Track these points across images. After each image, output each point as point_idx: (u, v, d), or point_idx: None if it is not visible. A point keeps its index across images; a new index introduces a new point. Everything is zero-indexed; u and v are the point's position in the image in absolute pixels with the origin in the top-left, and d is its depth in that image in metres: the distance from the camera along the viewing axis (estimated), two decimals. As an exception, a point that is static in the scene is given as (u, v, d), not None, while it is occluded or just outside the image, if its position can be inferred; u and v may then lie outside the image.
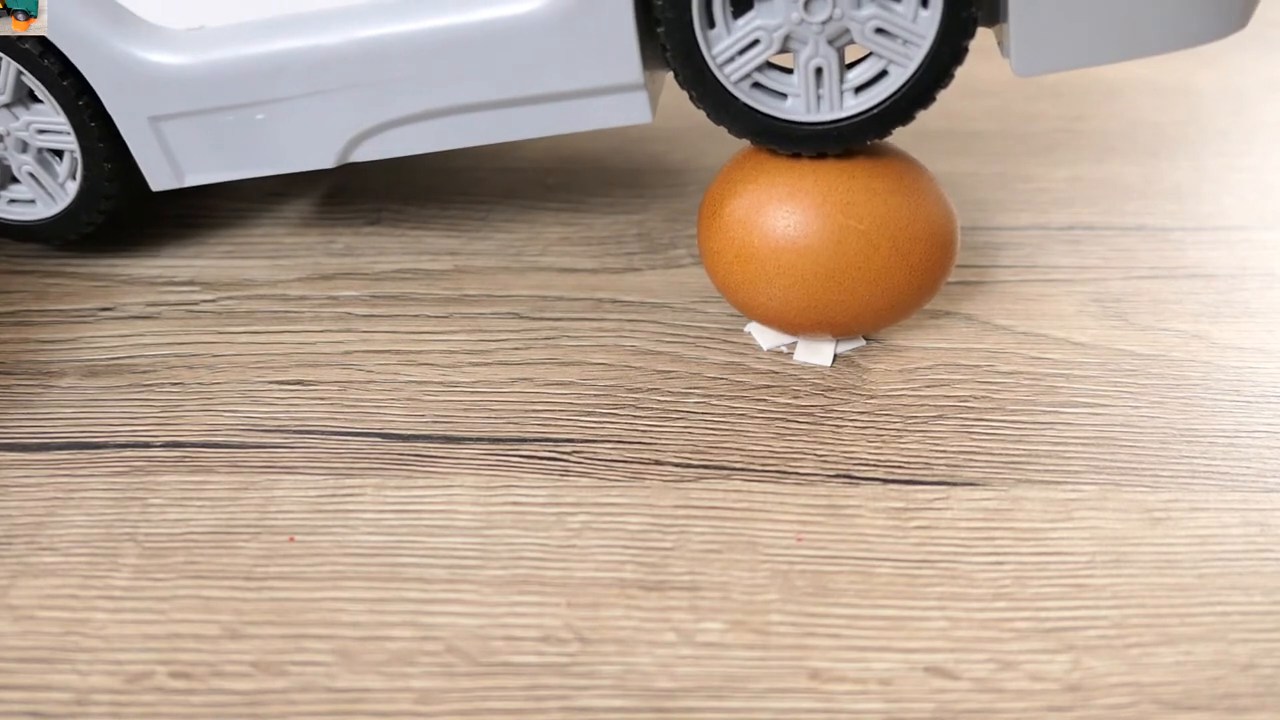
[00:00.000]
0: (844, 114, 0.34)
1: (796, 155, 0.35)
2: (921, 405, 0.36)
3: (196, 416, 0.36)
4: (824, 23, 0.32)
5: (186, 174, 0.39)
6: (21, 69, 0.38)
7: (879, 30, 0.33)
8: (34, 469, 0.35)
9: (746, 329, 0.39)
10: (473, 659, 0.29)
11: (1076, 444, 0.35)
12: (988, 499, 0.33)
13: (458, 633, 0.30)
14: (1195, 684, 0.28)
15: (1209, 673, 0.29)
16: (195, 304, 0.41)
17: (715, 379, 0.37)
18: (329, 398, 0.37)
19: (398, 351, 0.39)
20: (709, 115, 0.35)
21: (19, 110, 0.39)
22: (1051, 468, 0.34)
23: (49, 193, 0.41)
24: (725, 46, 0.33)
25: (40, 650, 0.30)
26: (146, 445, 0.35)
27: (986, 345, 0.39)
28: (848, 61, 0.34)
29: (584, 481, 0.34)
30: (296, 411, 0.36)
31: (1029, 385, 0.37)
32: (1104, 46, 0.33)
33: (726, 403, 0.36)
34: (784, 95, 0.34)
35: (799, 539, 0.32)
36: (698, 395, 0.37)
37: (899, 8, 0.32)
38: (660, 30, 0.33)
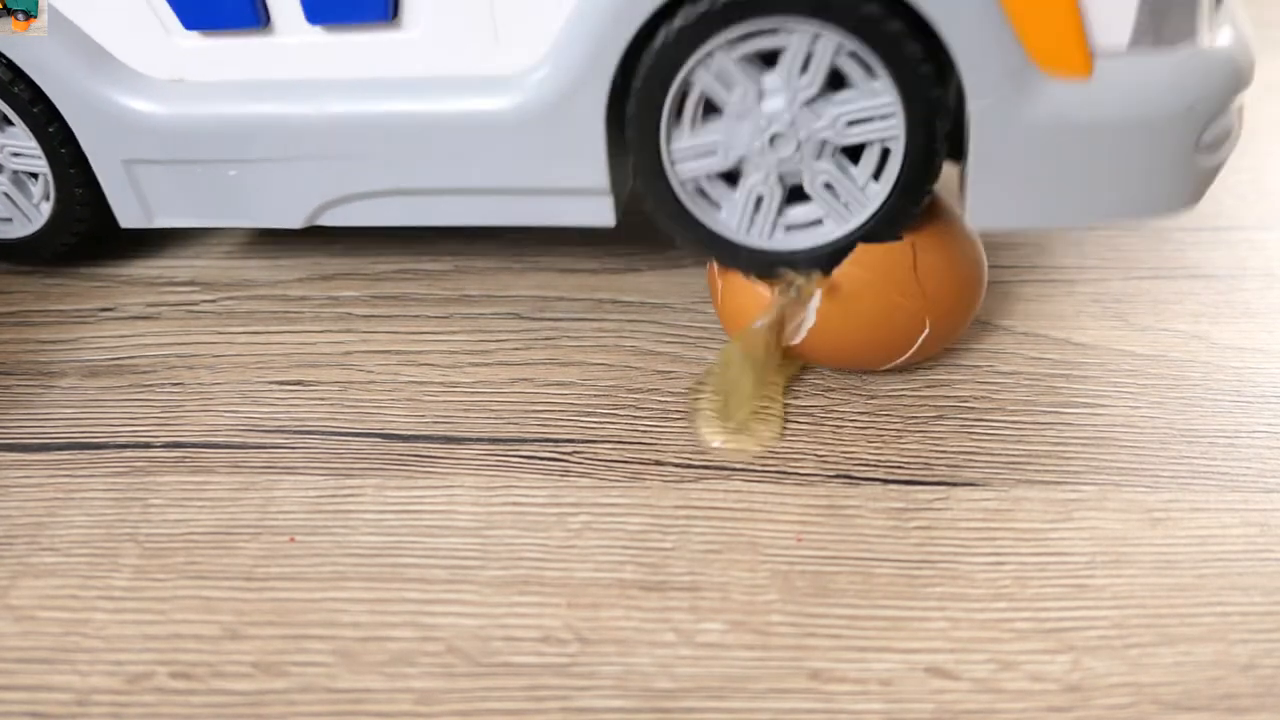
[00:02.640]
0: (768, 247, 0.34)
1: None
2: (921, 405, 0.36)
3: (197, 417, 0.36)
4: (781, 160, 0.33)
5: (156, 216, 0.39)
6: None
7: (827, 185, 0.33)
8: (35, 469, 0.35)
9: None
10: (473, 659, 0.29)
11: (1076, 444, 0.35)
12: (988, 499, 0.33)
13: (458, 633, 0.30)
14: (1195, 684, 0.28)
15: (1209, 673, 0.29)
16: (195, 304, 0.41)
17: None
18: (329, 398, 0.37)
19: (398, 352, 0.39)
20: (650, 203, 0.35)
21: None
22: (1051, 468, 0.34)
23: (24, 213, 0.41)
24: (685, 146, 0.33)
25: (41, 650, 0.30)
26: (147, 445, 0.35)
27: (986, 345, 0.39)
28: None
29: (584, 482, 0.34)
30: (297, 412, 0.36)
31: (1029, 385, 0.37)
32: (1056, 211, 0.33)
33: (727, 403, 0.37)
34: (719, 206, 0.34)
35: (799, 539, 0.32)
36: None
37: (854, 172, 0.33)
38: (630, 103, 0.33)
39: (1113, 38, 0.30)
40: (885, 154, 0.32)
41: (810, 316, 0.34)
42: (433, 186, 0.36)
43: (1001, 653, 0.29)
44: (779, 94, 0.32)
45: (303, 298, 0.41)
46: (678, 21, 0.31)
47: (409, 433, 0.36)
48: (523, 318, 0.40)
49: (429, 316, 0.40)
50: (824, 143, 0.32)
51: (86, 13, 0.36)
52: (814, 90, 0.32)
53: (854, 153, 0.33)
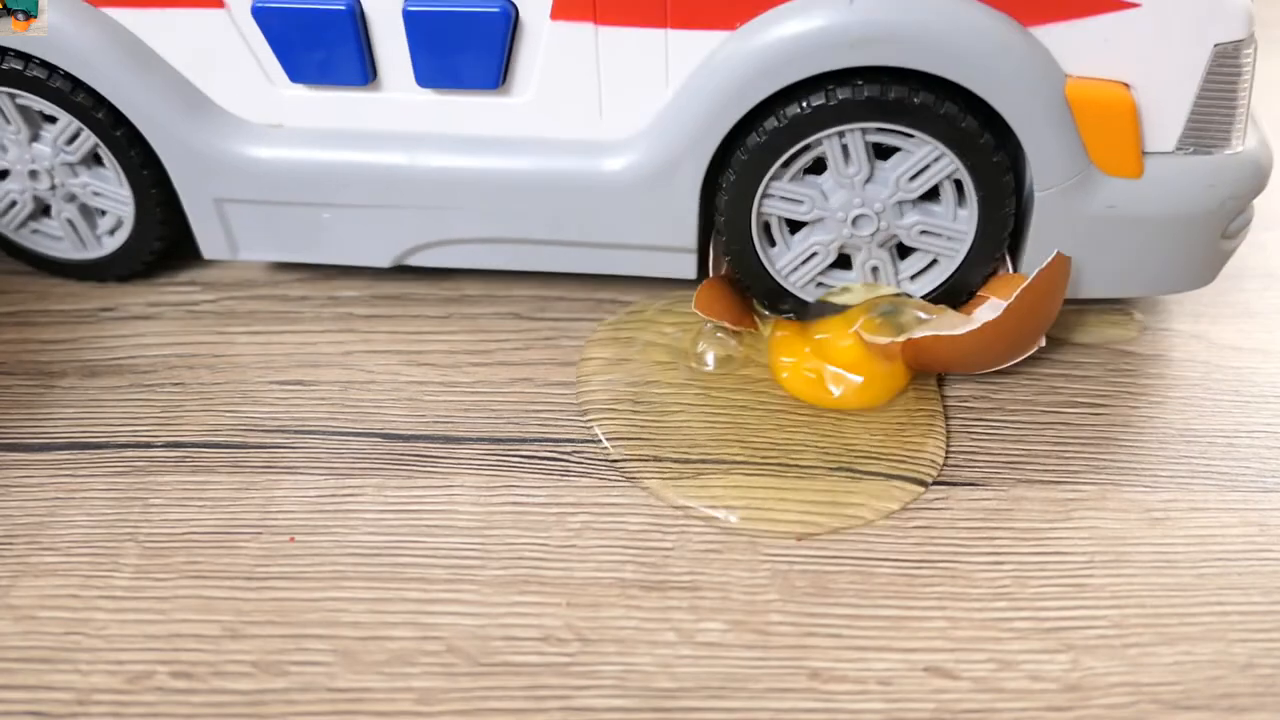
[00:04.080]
0: None
1: None
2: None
3: (197, 417, 0.36)
4: (872, 234, 0.35)
5: (241, 250, 0.40)
6: (99, 142, 0.38)
7: (924, 232, 0.35)
8: (35, 469, 0.35)
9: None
10: (473, 659, 0.29)
11: (1076, 444, 0.35)
12: (988, 499, 0.33)
13: (458, 633, 0.30)
14: (1194, 684, 0.28)
15: (1208, 672, 0.29)
16: (196, 304, 0.41)
17: (715, 372, 0.37)
18: (329, 398, 0.37)
19: (398, 352, 0.39)
20: (772, 311, 0.38)
21: (80, 169, 0.39)
22: (1051, 468, 0.34)
23: (82, 240, 0.41)
24: (788, 260, 0.36)
25: (42, 650, 0.30)
26: (147, 445, 0.35)
27: (986, 345, 0.39)
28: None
29: (584, 481, 0.34)
30: (297, 412, 0.36)
31: (1029, 385, 0.37)
32: (1098, 285, 0.36)
33: (727, 395, 0.36)
34: (849, 290, 0.37)
35: (799, 539, 0.32)
36: (696, 388, 0.37)
37: (937, 209, 0.35)
38: (727, 258, 0.36)
39: (1161, 142, 0.33)
40: (959, 184, 0.34)
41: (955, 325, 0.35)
42: (526, 237, 0.37)
43: (1001, 652, 0.29)
44: (839, 188, 0.34)
45: (303, 298, 0.41)
46: (740, 155, 0.34)
47: (409, 433, 0.36)
48: (523, 318, 0.40)
49: (429, 316, 0.40)
50: (900, 203, 0.34)
51: (188, 59, 0.36)
52: (866, 173, 0.34)
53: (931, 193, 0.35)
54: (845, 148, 0.33)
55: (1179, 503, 0.33)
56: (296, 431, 0.36)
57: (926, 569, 0.31)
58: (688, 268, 0.38)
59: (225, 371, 0.38)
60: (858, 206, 0.34)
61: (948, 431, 0.35)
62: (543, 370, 0.38)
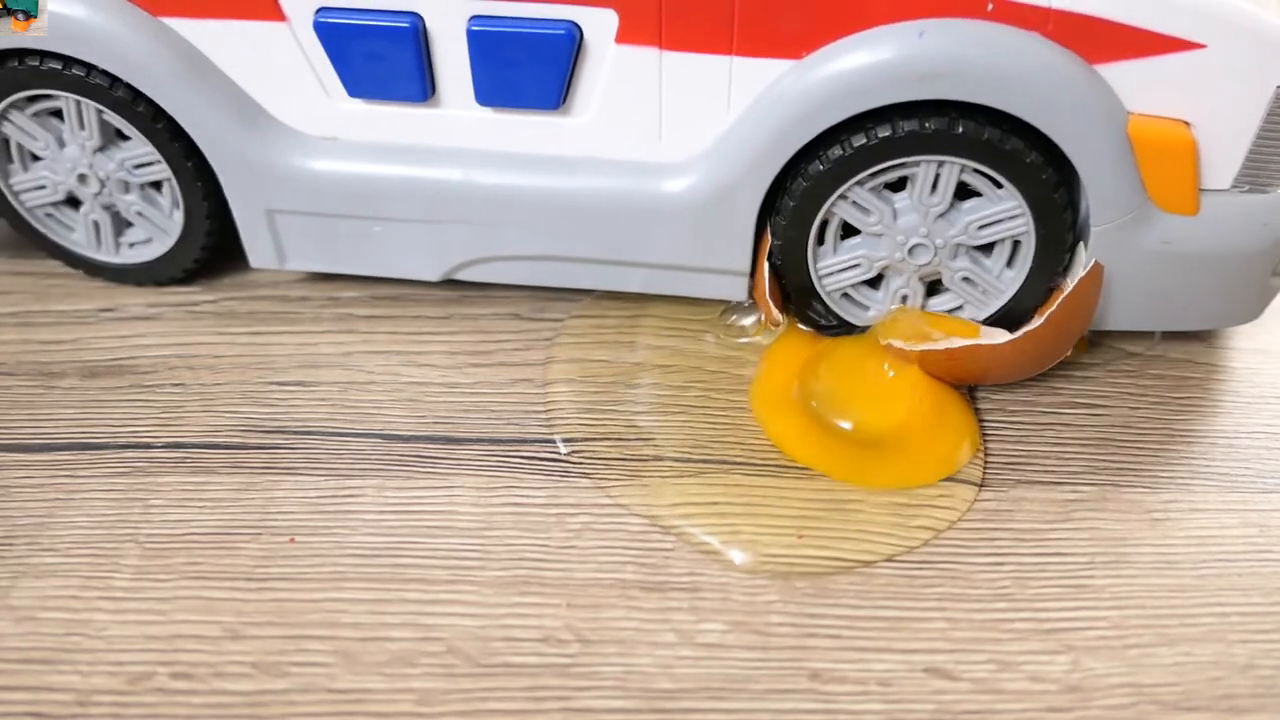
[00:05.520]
0: None
1: None
2: (921, 405, 0.36)
3: (197, 417, 0.36)
4: (920, 265, 0.35)
5: (289, 260, 0.40)
6: (103, 108, 0.37)
7: (965, 279, 0.35)
8: (35, 469, 0.35)
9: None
10: (473, 660, 0.29)
11: (1076, 444, 0.35)
12: (988, 499, 0.33)
13: (458, 633, 0.30)
14: (1194, 685, 0.28)
15: (1208, 673, 0.29)
16: (196, 304, 0.41)
17: (715, 373, 0.37)
18: (330, 398, 0.37)
19: (398, 352, 0.39)
20: (798, 312, 0.38)
21: (111, 150, 0.39)
22: (1051, 468, 0.34)
23: (160, 227, 0.40)
24: (829, 263, 0.36)
25: (42, 651, 0.30)
26: (147, 446, 0.35)
27: (986, 345, 0.39)
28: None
29: (584, 482, 0.34)
30: (297, 412, 0.36)
31: (1029, 385, 0.37)
32: (1146, 318, 0.36)
33: (727, 396, 0.37)
34: (867, 307, 0.37)
35: (800, 538, 0.32)
36: (697, 390, 0.37)
37: (987, 264, 0.35)
38: (776, 244, 0.36)
39: (1218, 180, 0.33)
40: (1016, 244, 0.34)
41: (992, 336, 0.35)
42: (578, 256, 0.37)
43: (1001, 653, 0.29)
44: (912, 212, 0.34)
45: (303, 298, 0.41)
46: (816, 166, 0.33)
47: (409, 433, 0.36)
48: (523, 318, 0.40)
49: (429, 317, 0.40)
50: (959, 245, 0.34)
51: (246, 70, 0.36)
52: (944, 206, 0.34)
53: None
54: (938, 176, 0.33)
55: (1179, 503, 0.33)
56: (296, 432, 0.36)
57: (926, 569, 0.31)
58: (739, 290, 0.37)
59: (225, 372, 0.38)
60: (921, 235, 0.34)
61: (981, 431, 0.35)
62: (543, 371, 0.38)
